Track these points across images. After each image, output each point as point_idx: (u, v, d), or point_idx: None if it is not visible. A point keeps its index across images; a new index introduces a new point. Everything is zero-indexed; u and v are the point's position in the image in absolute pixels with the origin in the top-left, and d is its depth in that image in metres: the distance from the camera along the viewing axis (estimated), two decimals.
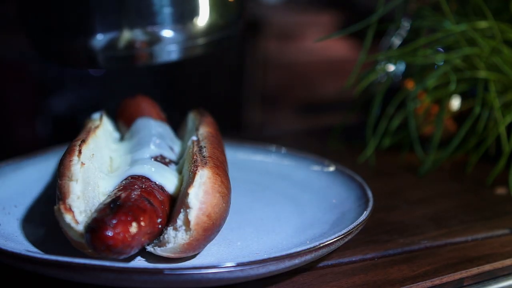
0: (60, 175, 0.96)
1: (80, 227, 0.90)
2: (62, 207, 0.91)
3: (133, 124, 1.21)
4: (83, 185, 0.95)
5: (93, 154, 1.03)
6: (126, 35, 1.25)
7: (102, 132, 1.13)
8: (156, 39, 1.27)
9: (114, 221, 0.86)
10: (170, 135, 1.22)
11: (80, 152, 0.99)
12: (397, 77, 1.62)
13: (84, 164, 0.97)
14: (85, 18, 1.25)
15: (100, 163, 1.05)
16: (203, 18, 1.30)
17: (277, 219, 1.13)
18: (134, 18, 1.25)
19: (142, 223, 0.89)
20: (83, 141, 1.03)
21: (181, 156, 1.15)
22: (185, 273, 0.84)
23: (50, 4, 1.29)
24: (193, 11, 1.30)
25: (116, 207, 0.88)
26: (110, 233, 0.84)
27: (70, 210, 0.91)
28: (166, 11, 1.27)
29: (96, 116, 1.20)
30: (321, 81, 2.39)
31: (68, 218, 0.90)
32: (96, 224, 0.85)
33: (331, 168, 1.26)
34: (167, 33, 1.27)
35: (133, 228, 0.87)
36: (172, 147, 1.16)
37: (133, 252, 0.89)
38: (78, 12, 1.26)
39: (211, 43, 1.35)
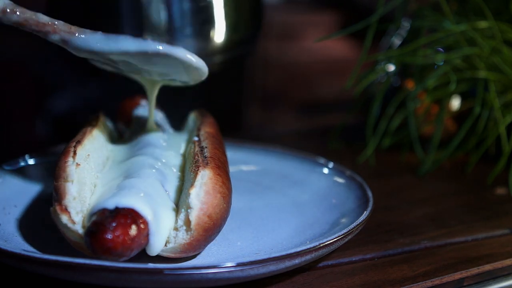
0: (55, 176, 0.96)
1: (77, 227, 0.90)
2: (58, 208, 0.91)
3: (132, 118, 1.22)
4: (79, 186, 0.95)
5: (88, 155, 1.03)
6: None
7: (99, 133, 1.13)
8: None
9: (114, 224, 0.86)
10: (168, 129, 1.23)
11: (75, 153, 0.99)
12: (396, 79, 1.62)
13: (79, 164, 0.97)
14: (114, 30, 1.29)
15: (97, 164, 1.05)
16: (220, 35, 1.32)
17: (277, 219, 1.13)
18: (151, 31, 1.29)
19: (142, 226, 0.89)
20: (78, 142, 1.03)
21: (182, 156, 1.15)
22: (185, 273, 0.84)
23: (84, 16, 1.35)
24: (211, 27, 1.31)
25: (115, 210, 0.88)
26: (109, 236, 0.85)
27: (66, 210, 0.91)
28: (184, 26, 1.28)
29: (93, 117, 1.21)
30: (321, 81, 2.38)
31: (64, 218, 0.90)
32: (96, 227, 0.85)
33: (331, 168, 1.26)
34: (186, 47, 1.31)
35: (133, 230, 0.87)
36: (169, 145, 1.16)
37: (133, 254, 0.89)
38: (108, 24, 1.32)
39: (228, 60, 1.36)
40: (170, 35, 1.30)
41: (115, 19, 1.31)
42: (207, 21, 1.33)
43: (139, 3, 1.30)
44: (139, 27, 1.30)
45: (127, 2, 1.31)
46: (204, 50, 1.34)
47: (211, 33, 1.34)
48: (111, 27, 1.31)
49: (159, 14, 1.29)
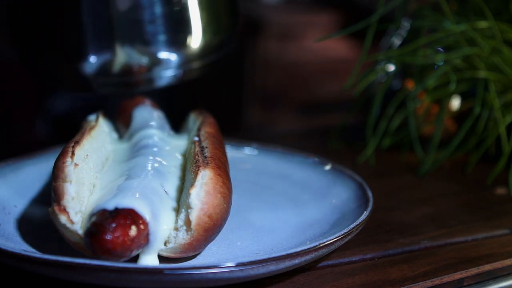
0: (54, 177, 0.96)
1: (76, 227, 0.90)
2: (56, 208, 0.91)
3: (132, 118, 1.22)
4: (77, 186, 0.94)
5: (87, 155, 1.03)
6: (121, 58, 1.25)
7: (98, 133, 1.13)
8: (151, 64, 1.27)
9: (113, 225, 0.86)
10: (168, 130, 1.23)
11: (73, 153, 0.99)
12: (396, 83, 1.62)
13: (77, 165, 0.97)
14: (78, 41, 1.25)
15: (96, 164, 1.05)
16: (197, 40, 1.30)
17: (277, 219, 1.13)
18: (127, 40, 1.25)
19: (142, 226, 0.89)
20: (77, 142, 1.03)
21: (182, 156, 1.15)
22: (185, 273, 0.84)
23: (44, 27, 1.29)
24: (188, 34, 1.29)
25: (115, 211, 0.88)
26: (109, 237, 0.85)
27: (64, 210, 0.91)
28: (160, 33, 1.27)
29: (92, 117, 1.20)
30: (321, 81, 2.39)
31: (63, 218, 0.90)
32: (95, 228, 0.85)
33: (331, 168, 1.26)
34: (162, 56, 1.28)
35: (132, 231, 0.87)
36: (169, 145, 1.16)
37: (133, 255, 0.89)
38: (72, 35, 1.26)
39: (206, 65, 1.35)
40: (145, 44, 1.26)
41: (80, 31, 1.24)
42: (181, 27, 1.29)
43: (107, 11, 1.23)
44: (110, 34, 1.24)
45: (94, 10, 1.23)
46: (181, 57, 1.31)
47: (187, 40, 1.30)
48: (78, 38, 1.25)
49: (130, 22, 1.24)
